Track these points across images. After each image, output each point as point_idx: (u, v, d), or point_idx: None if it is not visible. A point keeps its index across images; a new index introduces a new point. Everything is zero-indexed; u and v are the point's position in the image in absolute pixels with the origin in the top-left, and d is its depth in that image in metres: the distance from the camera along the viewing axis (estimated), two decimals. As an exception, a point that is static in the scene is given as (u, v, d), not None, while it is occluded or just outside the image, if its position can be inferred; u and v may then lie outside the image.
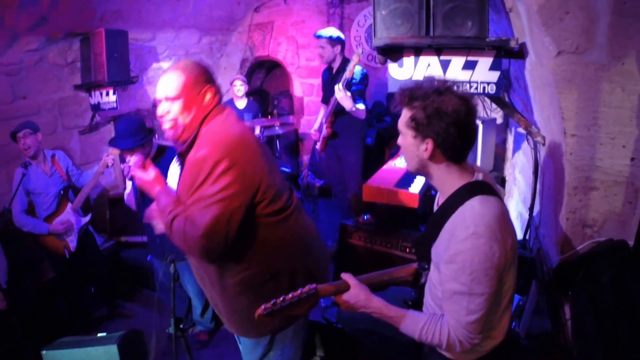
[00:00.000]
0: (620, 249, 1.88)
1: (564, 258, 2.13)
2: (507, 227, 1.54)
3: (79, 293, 4.00)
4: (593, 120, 1.90)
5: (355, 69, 4.11)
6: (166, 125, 1.89)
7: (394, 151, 5.71)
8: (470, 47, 2.41)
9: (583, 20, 1.76)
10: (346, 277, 1.78)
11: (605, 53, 1.77)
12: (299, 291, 1.65)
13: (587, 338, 1.73)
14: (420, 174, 1.73)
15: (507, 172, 4.12)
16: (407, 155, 1.69)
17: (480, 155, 3.48)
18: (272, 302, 1.61)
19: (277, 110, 6.61)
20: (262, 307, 1.60)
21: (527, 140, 2.68)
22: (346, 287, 1.75)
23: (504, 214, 1.56)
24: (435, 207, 1.79)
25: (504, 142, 4.24)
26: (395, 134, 5.30)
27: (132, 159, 2.98)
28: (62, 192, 3.80)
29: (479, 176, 1.63)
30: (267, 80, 7.65)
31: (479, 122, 3.37)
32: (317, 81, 6.51)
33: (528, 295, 2.56)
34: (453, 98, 1.57)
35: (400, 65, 2.62)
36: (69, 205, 3.79)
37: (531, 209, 2.78)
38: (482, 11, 2.29)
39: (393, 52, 2.59)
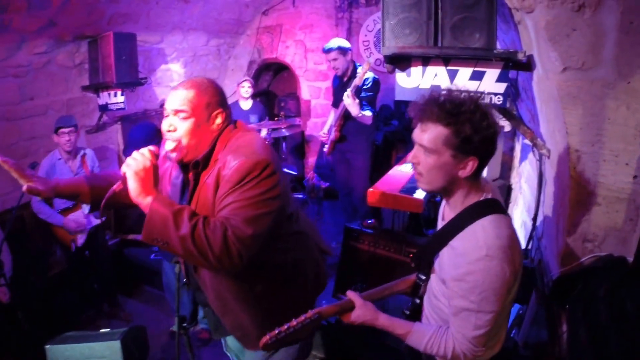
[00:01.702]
0: (619, 264, 1.89)
1: (563, 271, 2.13)
2: (517, 246, 1.54)
3: (81, 288, 4.06)
4: (597, 137, 1.89)
5: (367, 75, 4.16)
6: (169, 145, 1.81)
7: (401, 155, 5.73)
8: (478, 58, 2.41)
9: (590, 37, 1.75)
10: (352, 296, 1.77)
11: (612, 70, 1.76)
12: (302, 317, 1.66)
13: (580, 350, 1.74)
14: (438, 192, 1.66)
15: (514, 180, 4.11)
16: (436, 175, 1.56)
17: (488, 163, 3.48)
18: (276, 331, 1.62)
19: (284, 112, 6.64)
20: (267, 336, 1.62)
21: (533, 151, 2.68)
22: (350, 306, 1.75)
23: (513, 234, 1.55)
24: (440, 220, 1.79)
25: (511, 150, 4.23)
26: (402, 137, 5.34)
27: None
28: None
29: (489, 194, 1.61)
30: (274, 82, 7.67)
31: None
32: (325, 84, 6.55)
33: (528, 305, 2.58)
34: (488, 111, 1.52)
35: (408, 75, 2.62)
36: (84, 205, 3.83)
37: (534, 219, 2.78)
38: (490, 23, 2.29)
39: (401, 61, 2.59)
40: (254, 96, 5.79)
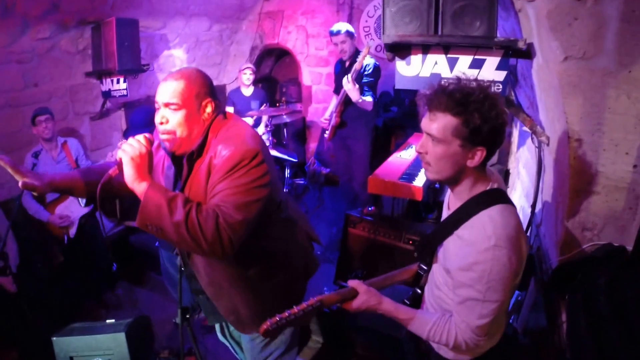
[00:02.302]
0: (619, 253, 1.90)
1: (562, 259, 2.15)
2: (523, 236, 1.55)
3: (79, 278, 4.09)
4: (597, 126, 1.89)
5: (368, 61, 4.15)
6: (163, 136, 1.85)
7: (400, 142, 5.74)
8: (478, 46, 2.41)
9: (591, 27, 1.74)
10: (355, 284, 1.77)
11: (613, 60, 1.76)
12: (304, 304, 1.66)
13: (580, 340, 1.76)
14: (446, 182, 1.66)
15: (511, 165, 4.13)
16: (444, 164, 1.56)
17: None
18: (277, 318, 1.60)
19: (286, 97, 6.64)
20: (268, 322, 1.60)
21: (532, 139, 2.69)
22: (352, 295, 1.75)
23: (520, 223, 1.56)
24: (446, 209, 1.79)
25: (509, 135, 4.24)
26: (402, 124, 5.35)
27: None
28: None
29: (495, 184, 1.62)
30: (276, 67, 7.65)
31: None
32: (326, 70, 6.53)
33: (527, 291, 2.61)
34: (497, 100, 1.51)
35: (408, 63, 2.63)
36: None
37: (533, 207, 2.79)
38: (491, 11, 2.29)
39: (401, 49, 2.60)
40: (255, 82, 5.78)
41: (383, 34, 2.52)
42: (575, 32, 1.79)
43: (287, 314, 1.61)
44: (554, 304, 2.17)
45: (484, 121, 1.46)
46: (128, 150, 1.73)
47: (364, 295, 1.73)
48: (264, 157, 1.80)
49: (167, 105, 1.81)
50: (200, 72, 1.94)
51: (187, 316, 2.37)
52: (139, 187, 1.71)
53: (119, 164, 1.75)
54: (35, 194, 1.95)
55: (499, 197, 1.58)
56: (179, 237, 1.67)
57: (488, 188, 1.60)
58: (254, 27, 6.71)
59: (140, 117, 3.13)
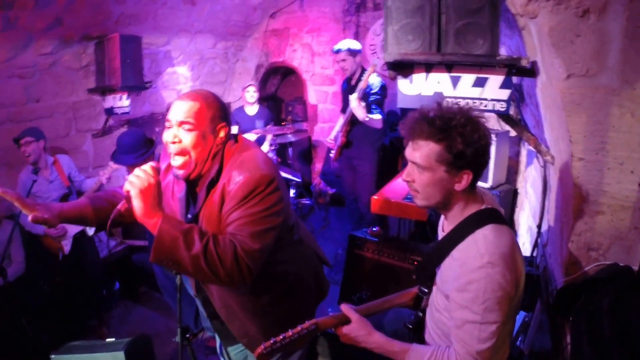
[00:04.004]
0: (624, 274, 1.86)
1: (567, 280, 2.11)
2: (518, 254, 1.54)
3: (76, 295, 4.04)
4: (601, 145, 1.87)
5: (373, 80, 4.13)
6: (176, 159, 1.79)
7: (407, 162, 5.69)
8: (481, 64, 2.38)
9: (594, 44, 1.72)
10: (346, 309, 1.76)
11: (616, 77, 1.73)
12: (299, 328, 1.65)
13: None
14: (437, 208, 1.67)
15: (520, 184, 4.08)
16: (432, 191, 1.58)
17: (494, 168, 3.47)
18: (272, 341, 1.61)
19: (292, 116, 6.64)
20: (262, 346, 1.61)
21: (537, 158, 2.65)
22: (347, 320, 1.74)
23: (515, 243, 1.56)
24: (440, 232, 1.80)
25: (517, 154, 4.20)
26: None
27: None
28: (62, 197, 3.89)
29: (488, 205, 1.62)
30: (281, 86, 7.68)
31: (493, 136, 3.36)
32: (332, 89, 6.53)
33: (533, 312, 2.56)
34: (479, 122, 1.54)
35: (411, 82, 2.60)
36: None
37: (539, 226, 2.80)
38: (494, 29, 2.26)
39: (403, 67, 2.56)
40: (262, 101, 5.79)
41: (385, 52, 2.49)
42: (578, 49, 1.77)
43: (281, 337, 1.61)
44: (559, 326, 2.13)
45: (467, 145, 1.49)
46: (136, 183, 1.66)
47: (355, 323, 1.71)
48: (278, 183, 1.79)
49: (181, 124, 1.77)
50: (215, 95, 1.91)
51: (187, 335, 2.33)
52: (150, 221, 1.66)
53: (128, 198, 1.68)
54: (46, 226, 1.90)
55: (492, 216, 1.59)
56: (197, 269, 1.65)
57: (482, 208, 1.61)
58: (260, 44, 6.76)
59: (128, 141, 3.12)
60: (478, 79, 2.45)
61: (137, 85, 4.43)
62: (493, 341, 1.47)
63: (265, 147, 5.46)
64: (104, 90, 4.53)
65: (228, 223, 1.73)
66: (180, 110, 1.77)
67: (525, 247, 3.26)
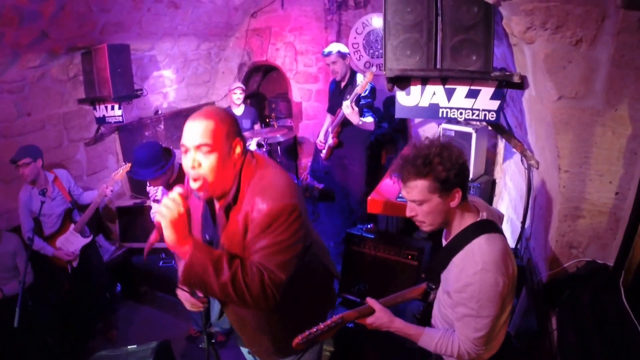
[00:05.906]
0: (601, 271, 2.13)
1: (551, 274, 2.35)
2: (510, 259, 1.81)
3: (85, 302, 4.11)
4: (585, 159, 2.07)
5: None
6: (196, 183, 1.76)
7: (391, 156, 5.86)
8: (475, 79, 2.52)
9: (584, 70, 1.87)
10: (371, 302, 2.07)
11: (601, 100, 1.90)
12: (329, 321, 1.99)
13: (569, 350, 1.96)
14: (441, 227, 1.93)
15: (498, 175, 4.29)
16: (434, 216, 1.85)
17: (474, 161, 3.69)
18: (307, 333, 1.94)
19: (275, 113, 6.69)
20: (299, 337, 1.93)
21: (522, 161, 2.82)
22: (369, 311, 2.05)
23: (507, 248, 1.83)
24: (444, 241, 2.03)
25: (494, 146, 4.39)
26: (392, 138, 5.52)
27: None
28: (66, 212, 3.92)
29: (484, 215, 1.89)
30: (263, 82, 7.70)
31: (472, 131, 3.59)
32: (315, 86, 6.60)
33: (518, 299, 2.83)
34: (451, 145, 1.82)
35: (408, 94, 2.71)
36: (72, 226, 3.90)
37: (523, 223, 3.03)
38: (487, 45, 2.38)
39: (401, 81, 2.68)
40: (245, 99, 5.83)
41: (385, 67, 2.58)
42: (569, 74, 1.92)
43: (315, 330, 1.95)
44: (545, 312, 2.38)
45: (449, 170, 1.75)
46: (166, 214, 1.67)
47: (379, 313, 2.04)
48: (301, 210, 1.80)
49: (198, 147, 1.72)
50: (225, 109, 1.88)
51: (213, 341, 2.43)
52: (182, 249, 1.69)
53: (159, 228, 1.71)
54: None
55: (486, 227, 1.85)
56: (225, 295, 1.73)
57: (478, 219, 1.88)
58: (242, 44, 6.75)
59: (144, 155, 3.11)
60: (471, 90, 2.60)
61: (128, 94, 4.42)
62: (487, 330, 1.78)
63: (252, 147, 5.52)
64: (94, 100, 4.49)
65: (254, 251, 1.75)
66: (195, 132, 1.73)
67: (507, 236, 3.45)
